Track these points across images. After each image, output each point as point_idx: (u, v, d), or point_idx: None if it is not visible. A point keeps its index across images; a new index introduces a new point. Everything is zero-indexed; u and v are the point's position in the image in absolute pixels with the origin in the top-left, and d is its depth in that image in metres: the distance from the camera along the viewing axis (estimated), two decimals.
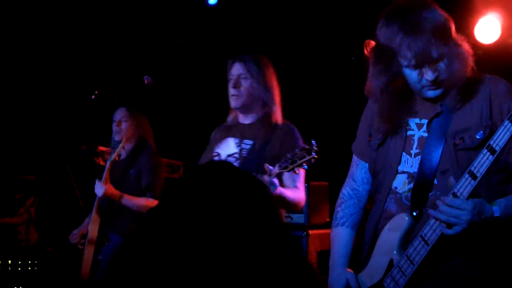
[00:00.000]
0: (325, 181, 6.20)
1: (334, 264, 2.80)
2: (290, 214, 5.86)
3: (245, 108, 3.76)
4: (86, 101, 4.54)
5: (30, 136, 4.95)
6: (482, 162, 2.34)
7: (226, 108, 3.87)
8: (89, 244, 4.64)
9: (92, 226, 4.68)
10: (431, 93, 2.55)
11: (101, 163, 5.68)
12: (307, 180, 5.93)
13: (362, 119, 2.89)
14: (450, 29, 2.52)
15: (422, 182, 2.54)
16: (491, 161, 2.33)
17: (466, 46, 2.54)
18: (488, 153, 2.33)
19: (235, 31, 6.89)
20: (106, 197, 4.68)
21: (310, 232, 5.82)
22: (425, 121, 2.61)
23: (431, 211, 2.42)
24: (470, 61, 2.52)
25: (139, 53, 6.50)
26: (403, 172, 2.63)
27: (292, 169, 3.25)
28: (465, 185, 2.37)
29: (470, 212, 2.33)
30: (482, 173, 2.34)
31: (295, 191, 3.64)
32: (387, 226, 2.62)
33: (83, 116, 5.71)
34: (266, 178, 3.26)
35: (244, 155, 3.69)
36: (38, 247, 5.39)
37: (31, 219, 5.07)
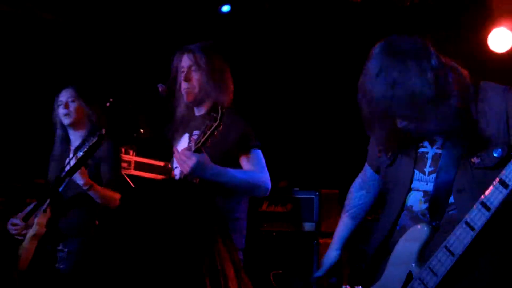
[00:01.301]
0: (336, 189, 6.19)
1: (330, 246, 3.02)
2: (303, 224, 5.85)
3: (198, 101, 3.63)
4: (101, 108, 4.54)
5: (43, 140, 4.96)
6: (496, 195, 2.29)
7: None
8: (33, 238, 4.29)
9: (41, 219, 4.33)
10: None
11: None
12: (318, 188, 5.94)
13: (371, 136, 2.85)
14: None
15: (438, 200, 2.50)
16: (505, 195, 2.27)
17: None
18: (501, 187, 2.28)
19: (248, 38, 6.91)
20: (85, 186, 4.29)
21: (321, 240, 5.81)
22: (438, 137, 2.56)
23: None
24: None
25: (154, 61, 6.53)
26: (417, 190, 2.59)
27: (204, 142, 3.17)
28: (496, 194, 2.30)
29: None
30: (496, 206, 2.29)
31: (248, 171, 3.49)
32: (403, 237, 2.57)
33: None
34: (185, 151, 3.23)
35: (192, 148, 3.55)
36: None
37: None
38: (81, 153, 4.18)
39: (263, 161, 3.57)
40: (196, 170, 3.20)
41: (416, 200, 2.59)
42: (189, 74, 3.59)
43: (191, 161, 3.21)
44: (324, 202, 5.93)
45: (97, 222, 4.51)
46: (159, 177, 5.98)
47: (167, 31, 6.59)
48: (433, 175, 2.53)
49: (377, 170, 2.88)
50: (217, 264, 1.47)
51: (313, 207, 5.88)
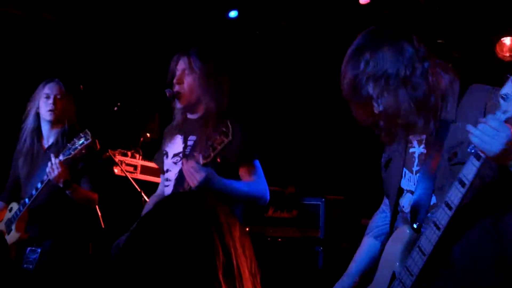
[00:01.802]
0: (341, 195, 6.19)
1: (346, 271, 2.87)
2: (306, 229, 5.86)
3: (191, 106, 3.62)
4: (108, 112, 4.53)
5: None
6: (456, 194, 2.31)
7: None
8: (13, 245, 4.17)
9: (19, 223, 4.24)
10: None
11: (119, 172, 5.71)
12: (323, 194, 5.94)
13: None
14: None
15: (420, 198, 2.52)
16: (463, 193, 2.28)
17: None
18: (460, 185, 2.29)
19: (255, 44, 6.92)
20: (69, 191, 4.21)
21: (326, 247, 5.80)
22: (424, 136, 2.57)
23: (468, 126, 2.26)
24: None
25: (162, 66, 6.55)
26: (408, 191, 2.61)
27: (215, 157, 3.20)
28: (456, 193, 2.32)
29: (506, 136, 2.17)
30: (457, 205, 2.31)
31: (251, 183, 3.52)
32: (390, 239, 2.62)
33: (105, 126, 5.74)
34: (192, 164, 3.24)
35: (187, 152, 3.59)
36: None
37: None
38: (62, 157, 4.08)
39: (262, 171, 3.59)
40: (203, 184, 3.23)
41: (406, 202, 2.61)
42: (181, 77, 3.59)
43: (199, 175, 3.24)
44: (330, 209, 5.93)
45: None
46: None
47: (175, 36, 6.61)
48: (418, 174, 2.56)
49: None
50: (232, 261, 1.60)
51: (319, 213, 5.87)
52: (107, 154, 5.43)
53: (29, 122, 4.44)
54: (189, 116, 3.70)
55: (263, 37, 6.84)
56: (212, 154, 3.20)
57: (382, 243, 2.72)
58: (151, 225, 1.63)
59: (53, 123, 4.42)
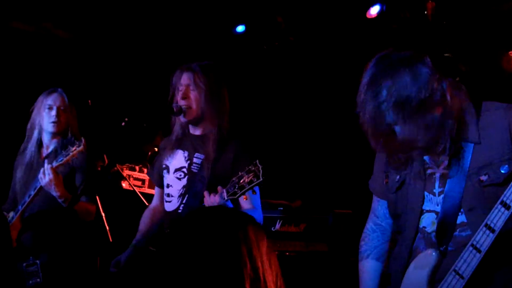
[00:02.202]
0: (349, 209, 6.18)
1: None
2: (314, 243, 5.84)
3: (196, 121, 3.63)
4: (115, 128, 4.53)
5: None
6: (498, 216, 2.29)
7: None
8: None
9: (12, 232, 4.10)
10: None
11: (127, 187, 5.73)
12: (331, 208, 5.93)
13: (377, 156, 2.83)
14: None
15: (446, 219, 2.49)
16: (507, 216, 2.27)
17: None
18: (503, 208, 2.28)
19: (262, 58, 6.94)
20: (60, 198, 4.15)
21: (334, 261, 5.79)
22: (444, 157, 2.54)
23: None
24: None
25: (169, 81, 6.58)
26: (430, 211, 2.58)
27: (241, 195, 3.18)
28: (498, 216, 2.30)
29: None
30: (500, 227, 2.29)
31: (253, 211, 3.52)
32: (412, 264, 2.56)
33: (112, 142, 5.75)
34: (217, 199, 3.21)
35: (194, 170, 3.59)
36: None
37: None
38: (55, 163, 4.05)
39: (259, 197, 3.57)
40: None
41: (429, 222, 2.58)
42: (187, 92, 3.59)
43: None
44: (337, 223, 5.91)
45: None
46: None
47: (183, 51, 6.64)
48: (442, 196, 2.53)
49: (385, 198, 2.82)
50: (259, 275, 1.69)
51: (327, 227, 5.86)
52: (115, 168, 5.44)
53: (32, 132, 4.43)
54: (191, 131, 3.70)
55: (270, 51, 6.87)
56: (238, 193, 3.19)
57: (402, 269, 2.64)
58: (182, 236, 1.69)
59: (54, 134, 4.40)
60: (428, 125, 2.40)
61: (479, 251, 2.33)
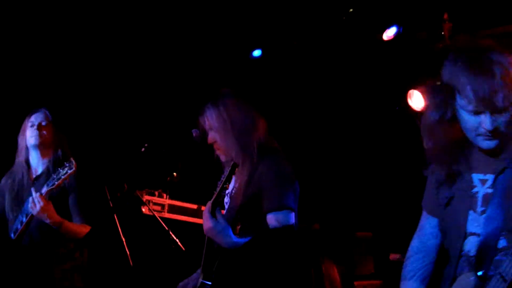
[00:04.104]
0: (369, 232, 6.16)
1: None
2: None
3: (226, 157, 3.50)
4: (135, 153, 4.51)
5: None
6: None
7: None
8: None
9: None
10: (485, 144, 2.37)
11: (146, 212, 5.75)
12: (353, 231, 5.92)
13: (429, 176, 2.69)
14: None
15: (487, 242, 2.38)
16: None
17: None
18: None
19: (279, 83, 6.97)
20: (55, 226, 4.09)
21: (356, 283, 5.76)
22: (489, 176, 2.44)
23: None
24: None
25: (187, 107, 6.62)
26: (473, 234, 2.47)
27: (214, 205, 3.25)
28: None
29: None
30: None
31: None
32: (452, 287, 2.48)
33: (132, 167, 5.78)
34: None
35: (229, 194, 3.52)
36: None
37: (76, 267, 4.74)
38: (45, 188, 3.96)
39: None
40: (208, 233, 3.23)
41: (472, 245, 2.46)
42: (210, 137, 3.49)
43: (207, 223, 3.23)
44: (357, 245, 5.89)
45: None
46: (192, 219, 6.04)
47: (200, 77, 6.69)
48: (484, 215, 2.42)
49: (436, 214, 2.70)
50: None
51: (346, 250, 5.85)
52: (135, 194, 5.47)
53: (19, 155, 4.35)
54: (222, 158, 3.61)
55: (287, 74, 6.90)
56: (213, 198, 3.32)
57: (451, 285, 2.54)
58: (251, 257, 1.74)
59: (40, 151, 4.30)
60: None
61: (504, 280, 2.27)
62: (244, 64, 6.86)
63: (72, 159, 3.96)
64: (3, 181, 4.47)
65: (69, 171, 3.90)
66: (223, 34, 6.55)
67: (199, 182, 5.18)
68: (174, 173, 6.05)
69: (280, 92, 7.02)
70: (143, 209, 5.77)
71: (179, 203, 6.10)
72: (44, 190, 4.00)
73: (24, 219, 4.13)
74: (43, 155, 4.32)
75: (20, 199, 4.27)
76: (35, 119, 4.29)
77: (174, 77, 6.82)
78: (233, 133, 3.42)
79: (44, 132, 4.26)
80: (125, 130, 6.54)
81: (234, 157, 3.43)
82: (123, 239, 5.08)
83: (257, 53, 6.81)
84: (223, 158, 3.52)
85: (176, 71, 6.79)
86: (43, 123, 4.28)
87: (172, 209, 6.06)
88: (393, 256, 5.59)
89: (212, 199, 3.30)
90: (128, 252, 5.03)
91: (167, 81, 6.82)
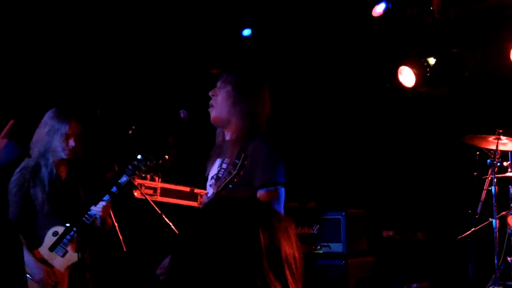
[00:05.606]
0: (362, 209, 6.15)
1: None
2: (329, 244, 5.84)
3: (220, 123, 3.58)
4: (122, 136, 4.50)
5: None
6: None
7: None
8: (67, 268, 4.24)
9: (74, 245, 4.23)
10: None
11: (139, 196, 5.72)
12: (345, 208, 5.91)
13: None
14: None
15: None
16: None
17: None
18: None
19: (269, 62, 6.93)
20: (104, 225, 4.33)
21: (349, 260, 5.77)
22: None
23: None
24: None
25: (175, 87, 6.58)
26: None
27: (221, 190, 3.23)
28: None
29: None
30: None
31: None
32: None
33: (120, 151, 5.76)
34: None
35: (220, 175, 3.53)
36: None
37: None
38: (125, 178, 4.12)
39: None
40: None
41: None
42: (215, 90, 3.57)
43: None
44: (350, 222, 5.89)
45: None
46: (186, 202, 6.01)
47: (188, 56, 6.64)
48: None
49: None
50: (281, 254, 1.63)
51: (340, 228, 5.85)
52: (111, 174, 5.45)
53: (44, 154, 4.34)
54: (226, 136, 3.63)
55: (277, 54, 6.86)
56: (221, 185, 3.27)
57: None
58: (199, 227, 1.67)
59: (64, 163, 4.40)
60: None
61: None
62: (234, 43, 6.81)
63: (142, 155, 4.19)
64: (19, 178, 4.36)
65: (148, 163, 4.14)
66: (212, 13, 6.49)
67: (191, 164, 5.16)
68: (166, 156, 6.02)
69: (270, 70, 6.98)
70: (135, 193, 5.74)
71: (172, 186, 6.07)
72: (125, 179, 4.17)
73: (92, 212, 4.23)
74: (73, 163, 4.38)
75: (56, 196, 4.35)
76: (71, 131, 4.30)
77: (161, 56, 6.76)
78: (244, 105, 3.49)
79: (80, 147, 4.32)
80: (112, 113, 6.50)
81: (225, 123, 3.51)
82: (116, 224, 5.07)
83: (247, 32, 6.76)
84: (212, 118, 3.54)
85: (163, 51, 6.73)
86: (74, 135, 4.30)
87: (165, 192, 6.03)
88: (386, 233, 5.61)
89: (217, 189, 3.28)
90: (121, 237, 5.02)
91: (154, 61, 6.77)
